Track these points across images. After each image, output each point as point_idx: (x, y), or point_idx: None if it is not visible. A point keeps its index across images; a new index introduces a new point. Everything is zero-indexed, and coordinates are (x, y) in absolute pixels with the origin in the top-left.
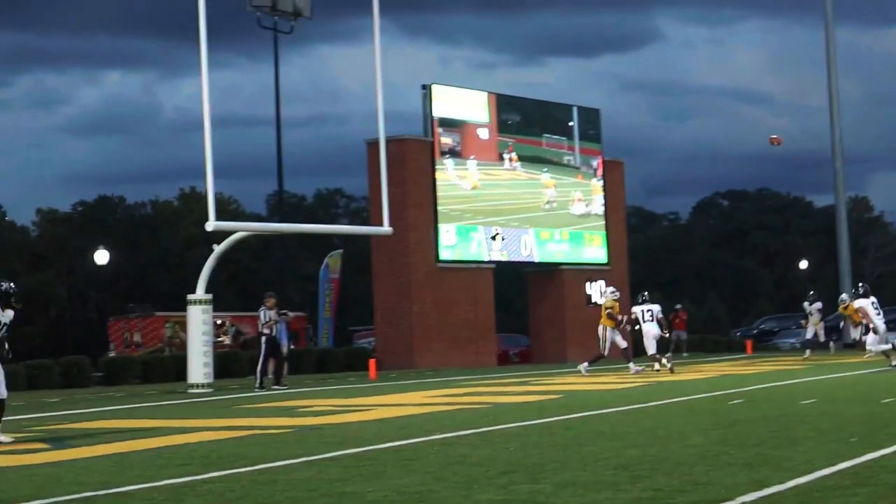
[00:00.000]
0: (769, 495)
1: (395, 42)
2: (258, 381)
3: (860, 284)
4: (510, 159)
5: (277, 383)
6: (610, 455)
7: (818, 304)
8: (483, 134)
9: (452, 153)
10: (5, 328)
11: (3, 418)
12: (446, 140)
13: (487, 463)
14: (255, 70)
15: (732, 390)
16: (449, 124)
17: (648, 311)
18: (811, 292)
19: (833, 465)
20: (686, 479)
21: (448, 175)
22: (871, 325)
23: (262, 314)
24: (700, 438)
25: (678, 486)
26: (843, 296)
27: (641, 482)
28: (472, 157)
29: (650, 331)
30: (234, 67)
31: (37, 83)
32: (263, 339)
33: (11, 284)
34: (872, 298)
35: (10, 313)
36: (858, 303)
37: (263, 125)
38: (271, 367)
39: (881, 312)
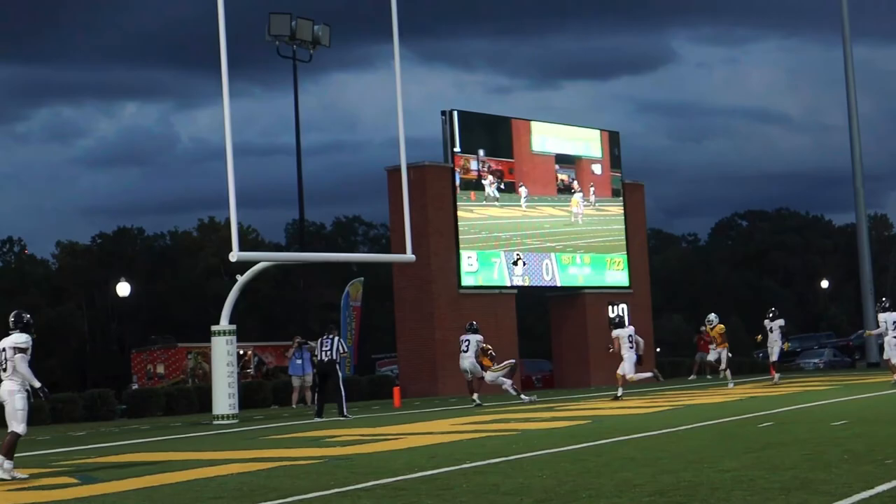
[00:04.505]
0: None
1: (410, 67)
2: (318, 409)
3: (883, 298)
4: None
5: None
6: (644, 481)
7: (780, 322)
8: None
9: (475, 182)
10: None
11: (16, 453)
12: (471, 167)
13: (521, 491)
14: (270, 99)
15: (761, 413)
16: (471, 151)
17: (629, 336)
18: (772, 308)
19: (871, 487)
20: None
21: (469, 201)
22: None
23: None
24: (733, 463)
25: None
26: (711, 316)
27: None
28: (492, 183)
29: (631, 355)
30: (249, 97)
31: (54, 116)
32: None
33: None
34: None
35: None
36: (883, 316)
37: (279, 154)
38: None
39: None
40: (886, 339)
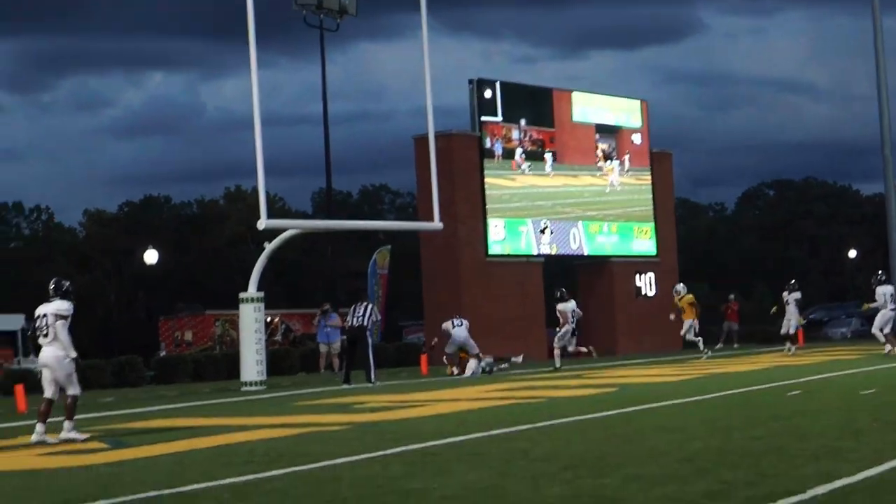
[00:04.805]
0: (840, 487)
1: (436, 37)
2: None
3: (880, 272)
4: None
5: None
6: (672, 448)
7: (797, 295)
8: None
9: (504, 150)
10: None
11: (50, 419)
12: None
13: (550, 458)
14: (296, 69)
15: (789, 381)
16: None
17: (573, 311)
18: (792, 281)
19: None
20: (753, 472)
21: (497, 170)
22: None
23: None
24: (762, 430)
25: (746, 479)
26: (678, 286)
27: (708, 475)
28: (521, 153)
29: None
30: (275, 67)
31: (80, 86)
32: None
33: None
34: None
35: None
36: (881, 290)
37: (306, 123)
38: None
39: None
40: (883, 311)
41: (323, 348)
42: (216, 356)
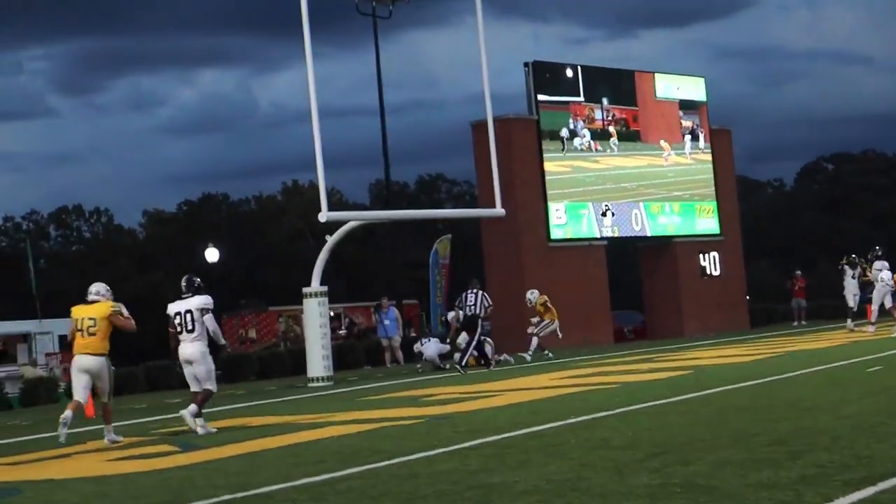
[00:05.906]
0: None
1: (486, 22)
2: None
3: (877, 247)
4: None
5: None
6: (760, 430)
7: (859, 271)
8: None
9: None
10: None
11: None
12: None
13: (633, 446)
14: (344, 60)
15: (868, 357)
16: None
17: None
18: (852, 255)
19: None
20: (848, 454)
21: (555, 154)
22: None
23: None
24: (851, 409)
25: (842, 462)
26: (529, 295)
27: (802, 458)
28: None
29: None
30: (323, 57)
31: (133, 86)
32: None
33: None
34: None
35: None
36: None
37: (357, 115)
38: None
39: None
40: (879, 287)
41: (384, 342)
42: (281, 353)
